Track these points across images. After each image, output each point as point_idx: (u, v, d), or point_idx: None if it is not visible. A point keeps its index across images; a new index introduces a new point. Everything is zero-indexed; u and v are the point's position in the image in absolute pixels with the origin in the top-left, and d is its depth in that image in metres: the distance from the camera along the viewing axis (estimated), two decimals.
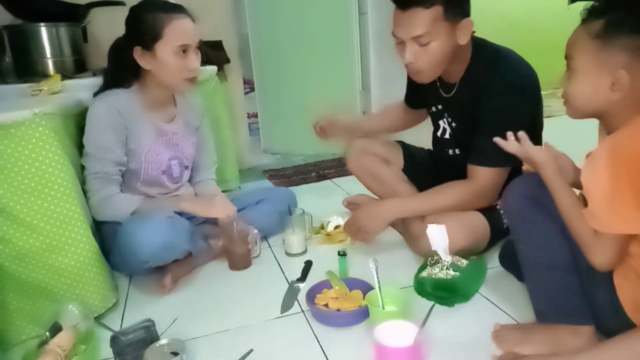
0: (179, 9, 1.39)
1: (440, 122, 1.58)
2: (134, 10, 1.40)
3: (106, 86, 1.45)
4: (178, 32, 1.36)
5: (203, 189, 1.72)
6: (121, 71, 1.44)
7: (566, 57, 0.95)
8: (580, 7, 0.93)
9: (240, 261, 1.54)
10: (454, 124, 1.51)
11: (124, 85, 1.44)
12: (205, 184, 1.73)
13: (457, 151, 1.55)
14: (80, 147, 1.42)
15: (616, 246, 0.89)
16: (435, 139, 1.66)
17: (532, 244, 1.06)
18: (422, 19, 1.26)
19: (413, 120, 1.81)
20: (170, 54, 1.36)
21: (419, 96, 1.65)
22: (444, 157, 1.61)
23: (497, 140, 1.11)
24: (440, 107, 1.55)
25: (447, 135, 1.57)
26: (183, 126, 1.59)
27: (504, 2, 4.57)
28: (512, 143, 1.08)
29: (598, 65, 0.88)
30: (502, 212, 1.45)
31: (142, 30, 1.36)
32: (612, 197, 0.84)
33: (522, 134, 1.08)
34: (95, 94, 1.46)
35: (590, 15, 0.90)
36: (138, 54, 1.38)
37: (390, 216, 1.47)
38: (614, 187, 0.84)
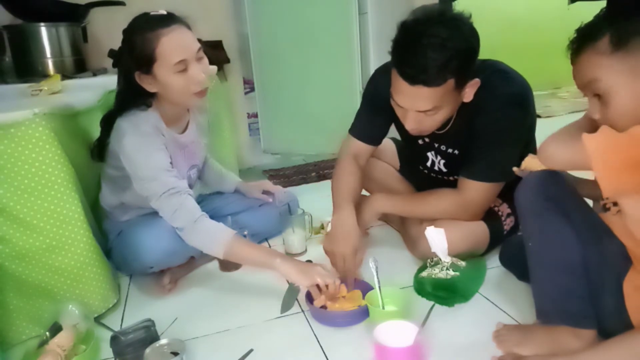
0: (166, 22, 1.24)
1: (429, 154, 1.49)
2: (124, 34, 1.28)
3: (123, 108, 1.33)
4: (171, 50, 1.23)
5: (211, 169, 1.74)
6: (135, 95, 1.32)
7: (586, 87, 0.90)
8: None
9: (230, 262, 1.54)
10: (456, 152, 1.41)
11: (142, 107, 1.33)
12: (209, 162, 1.73)
13: (456, 177, 1.43)
14: (80, 146, 1.42)
15: None
16: (419, 171, 1.57)
17: (542, 243, 1.03)
18: (432, 95, 1.13)
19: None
20: (169, 74, 1.25)
21: (400, 131, 1.51)
22: (433, 183, 1.51)
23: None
24: (427, 139, 1.44)
25: (438, 167, 1.49)
26: (196, 131, 1.53)
27: (504, 2, 4.57)
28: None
29: (630, 74, 0.85)
30: (503, 218, 1.43)
31: (135, 56, 1.24)
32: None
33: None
34: (110, 115, 1.36)
35: (584, 40, 0.88)
36: (140, 79, 1.28)
37: (377, 208, 1.47)
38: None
